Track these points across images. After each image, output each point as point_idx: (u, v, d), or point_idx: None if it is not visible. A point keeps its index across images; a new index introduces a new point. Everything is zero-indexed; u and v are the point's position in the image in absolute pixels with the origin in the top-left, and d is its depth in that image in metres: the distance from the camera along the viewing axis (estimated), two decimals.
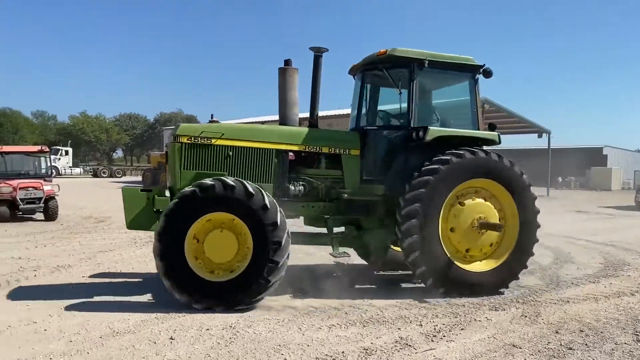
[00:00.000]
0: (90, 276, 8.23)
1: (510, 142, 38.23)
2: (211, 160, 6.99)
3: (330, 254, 7.51)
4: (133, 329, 5.56)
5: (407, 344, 5.27)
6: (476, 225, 7.17)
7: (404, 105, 7.46)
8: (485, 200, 7.35)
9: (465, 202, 7.25)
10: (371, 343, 5.28)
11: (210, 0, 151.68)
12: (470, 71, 7.68)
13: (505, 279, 7.38)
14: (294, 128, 7.59)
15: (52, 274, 8.32)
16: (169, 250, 6.06)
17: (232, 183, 6.22)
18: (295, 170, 7.49)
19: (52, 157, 28.68)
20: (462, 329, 5.79)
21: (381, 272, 8.74)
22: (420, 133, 7.15)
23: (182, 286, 6.10)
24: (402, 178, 7.08)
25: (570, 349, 5.23)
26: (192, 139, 6.95)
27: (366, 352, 5.04)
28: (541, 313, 6.45)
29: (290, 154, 7.40)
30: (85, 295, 6.85)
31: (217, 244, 6.27)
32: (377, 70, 7.70)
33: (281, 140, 7.28)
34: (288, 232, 6.38)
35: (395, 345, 5.23)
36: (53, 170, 21.06)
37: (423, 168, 6.96)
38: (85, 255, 9.94)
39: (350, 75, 8.47)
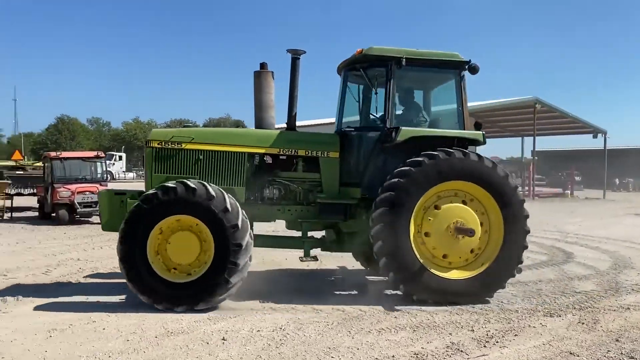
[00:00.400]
0: None
1: (564, 143, 37.04)
2: (182, 164, 7.09)
3: (299, 257, 7.42)
4: (186, 329, 5.69)
5: (458, 350, 5.18)
6: (452, 230, 6.77)
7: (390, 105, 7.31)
8: (465, 203, 6.93)
9: (441, 205, 6.87)
10: (422, 348, 5.22)
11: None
12: (455, 68, 7.35)
13: (489, 288, 6.93)
14: (267, 131, 7.54)
15: (109, 275, 8.63)
16: (131, 252, 6.19)
17: (194, 185, 6.29)
18: (271, 174, 7.46)
19: (107, 162, 29.75)
20: (515, 335, 5.64)
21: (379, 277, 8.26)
22: (393, 134, 6.96)
23: (144, 287, 6.22)
24: (379, 181, 6.89)
25: (632, 358, 5.01)
26: (163, 143, 7.11)
27: (417, 356, 4.99)
28: (600, 320, 6.21)
29: (268, 157, 7.41)
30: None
31: (180, 245, 6.35)
32: (356, 71, 7.53)
33: (253, 143, 7.27)
34: (250, 234, 6.44)
35: (446, 351, 5.15)
36: (108, 175, 21.85)
37: (395, 170, 6.76)
38: None
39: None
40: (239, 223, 6.26)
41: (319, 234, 7.94)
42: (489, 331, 5.74)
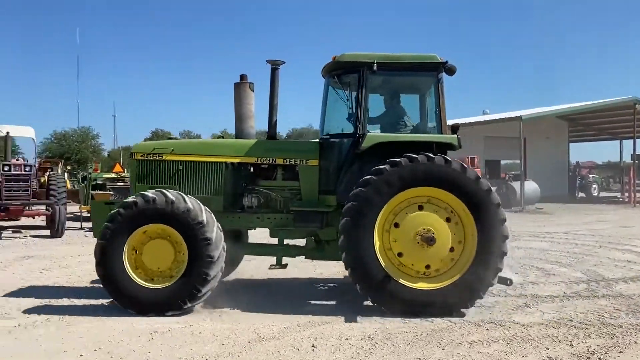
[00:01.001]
0: (234, 283, 8.75)
1: None
2: (163, 175, 7.41)
3: (269, 266, 7.48)
4: (277, 335, 5.84)
5: None
6: (418, 238, 6.48)
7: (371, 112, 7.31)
8: (436, 211, 6.58)
9: (408, 213, 6.59)
10: None
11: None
12: (432, 70, 7.10)
13: (464, 298, 6.49)
14: (245, 141, 7.63)
15: None
16: (109, 258, 6.45)
17: (172, 197, 6.50)
18: (250, 182, 7.57)
19: None
20: (620, 352, 5.29)
21: None
22: (360, 140, 6.85)
23: (119, 292, 6.49)
24: (351, 188, 6.64)
25: None
26: (145, 155, 7.46)
27: None
28: None
29: (246, 166, 7.54)
30: (235, 302, 7.19)
31: (155, 253, 6.57)
32: (332, 78, 7.45)
33: (231, 153, 7.41)
34: (223, 247, 6.61)
35: None
36: None
37: (360, 179, 6.56)
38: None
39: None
40: (212, 237, 6.45)
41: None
42: (590, 347, 5.42)
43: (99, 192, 18.59)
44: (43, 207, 16.24)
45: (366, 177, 6.51)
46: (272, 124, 7.69)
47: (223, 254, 6.64)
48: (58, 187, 16.03)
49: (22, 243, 14.06)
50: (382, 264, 6.50)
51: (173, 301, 6.46)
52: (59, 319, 6.51)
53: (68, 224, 16.37)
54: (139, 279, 6.56)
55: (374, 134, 7.05)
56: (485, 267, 6.45)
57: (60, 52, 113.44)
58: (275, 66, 7.54)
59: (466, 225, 6.58)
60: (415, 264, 6.59)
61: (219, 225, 6.71)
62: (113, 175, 21.54)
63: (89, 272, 9.06)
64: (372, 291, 6.52)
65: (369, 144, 6.80)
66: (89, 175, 20.24)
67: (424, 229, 6.48)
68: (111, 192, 18.32)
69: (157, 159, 7.47)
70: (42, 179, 17.29)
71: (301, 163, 7.34)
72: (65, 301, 7.44)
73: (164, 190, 6.66)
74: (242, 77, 7.86)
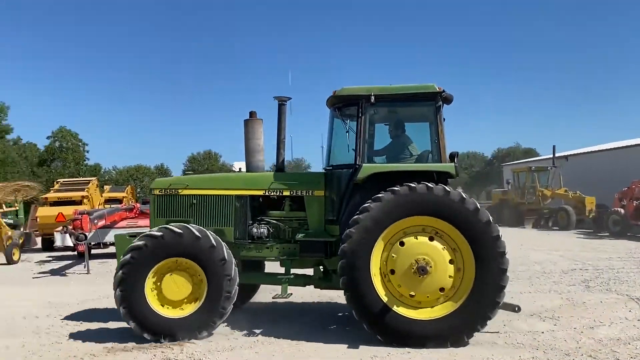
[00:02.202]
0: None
1: None
2: (179, 209, 7.76)
3: (273, 297, 7.52)
4: None
5: None
6: (414, 268, 6.40)
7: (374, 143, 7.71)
8: (432, 239, 6.54)
9: (405, 242, 6.56)
10: None
11: None
12: (430, 99, 7.15)
13: (460, 331, 6.33)
14: (254, 174, 8.02)
15: None
16: (129, 294, 6.61)
17: (181, 229, 6.75)
18: (261, 213, 7.79)
19: None
20: None
21: None
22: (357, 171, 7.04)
23: (144, 327, 6.61)
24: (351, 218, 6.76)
25: None
26: (163, 190, 7.86)
27: None
28: None
29: (255, 198, 7.76)
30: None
31: (173, 286, 6.74)
32: (334, 110, 7.61)
33: (240, 186, 7.74)
34: (235, 263, 6.84)
35: None
36: None
37: (351, 218, 6.68)
38: None
39: None
40: (232, 274, 6.73)
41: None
42: None
43: None
44: None
45: (365, 205, 6.52)
46: (279, 158, 7.96)
47: (237, 272, 6.87)
48: None
49: None
50: (379, 293, 6.45)
51: (193, 327, 6.66)
52: None
53: None
54: (161, 311, 6.73)
55: (369, 164, 7.09)
56: (483, 299, 6.30)
57: None
58: (282, 102, 7.82)
59: (464, 256, 6.44)
60: (412, 293, 6.48)
61: (226, 246, 6.93)
62: None
63: None
64: (368, 319, 6.46)
65: (364, 175, 6.89)
66: None
67: (420, 259, 6.40)
68: None
69: (173, 193, 7.82)
70: None
71: (307, 194, 7.51)
72: None
73: (172, 226, 6.85)
74: (252, 114, 8.12)
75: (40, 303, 9.52)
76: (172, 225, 6.87)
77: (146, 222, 17.53)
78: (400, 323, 6.37)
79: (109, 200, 25.30)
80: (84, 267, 14.60)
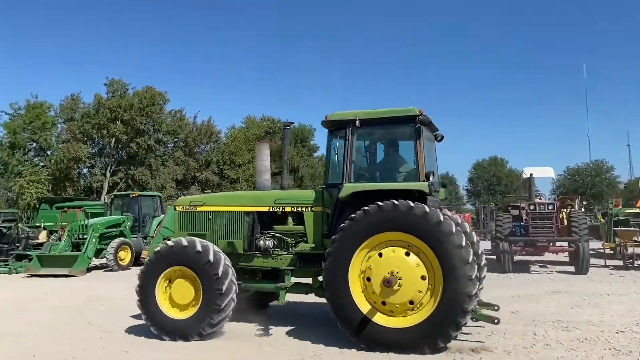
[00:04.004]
0: None
1: None
2: (197, 223, 8.75)
3: (270, 303, 8.87)
4: None
5: None
6: (381, 280, 6.85)
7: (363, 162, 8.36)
8: (408, 254, 6.89)
9: (383, 253, 7.01)
10: None
11: None
12: (409, 122, 7.56)
13: (432, 339, 6.63)
14: (261, 192, 8.92)
15: None
16: (145, 298, 7.77)
17: (186, 242, 7.76)
18: (266, 227, 8.48)
19: None
20: None
21: None
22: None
23: (157, 325, 7.72)
24: None
25: None
26: (184, 207, 8.99)
27: None
28: None
29: (261, 214, 8.48)
30: None
31: (180, 290, 7.73)
32: (329, 133, 8.20)
33: (249, 203, 8.60)
34: (232, 280, 7.63)
35: None
36: None
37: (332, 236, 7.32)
38: None
39: None
40: (219, 272, 7.49)
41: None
42: None
43: (622, 228, 18.27)
44: (565, 244, 16.66)
45: (344, 223, 7.16)
46: (283, 177, 9.11)
47: (232, 286, 7.62)
48: (579, 224, 16.16)
49: (549, 278, 14.85)
50: (358, 304, 6.99)
51: (194, 328, 7.52)
52: None
53: (592, 260, 16.84)
54: (170, 313, 7.75)
55: (350, 184, 7.60)
56: (451, 308, 6.58)
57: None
58: (285, 127, 9.18)
59: (433, 267, 6.78)
60: (388, 303, 6.90)
61: (229, 263, 7.78)
62: (637, 211, 20.86)
63: (622, 314, 9.29)
64: (349, 328, 7.01)
65: (345, 194, 7.53)
66: (610, 211, 20.23)
67: (393, 272, 6.81)
68: (637, 229, 17.68)
69: (193, 210, 8.89)
70: (561, 216, 17.58)
71: (306, 210, 8.22)
72: None
73: (183, 238, 7.96)
74: (260, 139, 9.45)
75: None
76: (183, 238, 7.88)
77: None
78: (379, 332, 6.83)
79: None
80: None
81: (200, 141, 48.75)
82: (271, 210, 8.44)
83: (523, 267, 17.11)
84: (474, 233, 8.33)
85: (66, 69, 79.67)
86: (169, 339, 7.57)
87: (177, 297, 7.74)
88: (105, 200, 31.00)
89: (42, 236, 21.88)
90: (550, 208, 16.38)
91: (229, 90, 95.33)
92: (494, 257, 17.34)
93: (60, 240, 19.17)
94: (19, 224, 22.80)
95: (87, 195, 42.72)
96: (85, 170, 45.85)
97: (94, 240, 18.08)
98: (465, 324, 6.76)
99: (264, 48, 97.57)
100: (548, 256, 18.95)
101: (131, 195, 23.29)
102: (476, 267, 6.68)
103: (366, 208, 7.00)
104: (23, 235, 21.71)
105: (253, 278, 8.62)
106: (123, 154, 45.73)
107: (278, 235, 8.35)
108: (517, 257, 17.73)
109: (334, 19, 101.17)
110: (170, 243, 7.93)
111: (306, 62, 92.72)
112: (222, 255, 7.76)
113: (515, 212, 17.52)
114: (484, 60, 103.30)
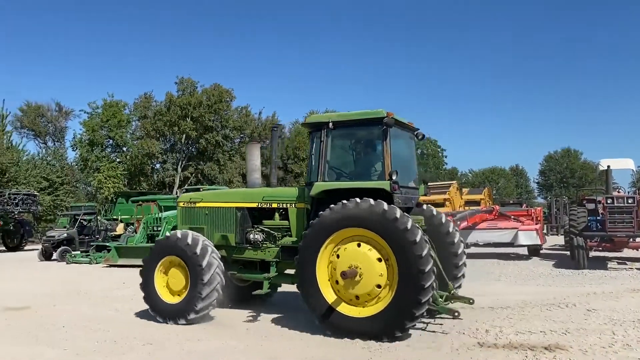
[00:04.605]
0: None
1: None
2: (196, 218, 9.54)
3: (253, 292, 9.11)
4: None
5: None
6: (340, 273, 7.30)
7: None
8: (359, 245, 7.35)
9: (340, 250, 7.45)
10: None
11: None
12: (376, 124, 7.90)
13: (390, 328, 7.01)
14: (251, 189, 9.61)
15: None
16: (145, 284, 8.67)
17: (180, 235, 8.59)
18: (256, 222, 9.14)
19: None
20: None
21: None
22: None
23: (154, 308, 8.60)
24: None
25: None
26: (186, 203, 9.79)
27: None
28: None
29: (251, 210, 9.14)
30: None
31: (175, 278, 8.52)
32: (309, 134, 8.61)
33: (240, 200, 9.26)
34: (217, 271, 8.26)
35: None
36: None
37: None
38: None
39: None
40: (203, 264, 8.15)
41: None
42: None
43: None
44: None
45: (314, 220, 7.70)
46: (271, 175, 9.51)
47: (216, 277, 8.25)
48: None
49: (628, 275, 14.24)
50: (324, 294, 7.48)
51: (181, 313, 8.28)
52: None
53: None
54: (166, 298, 8.58)
55: (320, 183, 8.07)
56: (406, 300, 6.93)
57: None
58: (274, 128, 9.65)
59: (391, 261, 7.13)
60: (356, 294, 7.31)
61: (216, 255, 8.45)
62: None
63: None
64: (320, 317, 7.49)
65: (315, 192, 8.07)
66: None
67: (353, 265, 7.23)
68: None
69: (192, 206, 9.69)
70: None
71: (290, 206, 8.75)
72: None
73: (180, 231, 8.89)
74: (252, 139, 9.89)
75: None
76: (179, 231, 8.79)
77: (506, 224, 17.74)
78: (342, 320, 7.30)
79: (468, 203, 26.36)
80: None
81: (265, 136, 49.66)
82: (260, 206, 9.09)
83: (599, 264, 16.31)
84: (457, 233, 8.80)
85: (140, 69, 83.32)
86: (162, 321, 8.41)
87: (172, 283, 8.54)
88: (177, 194, 32.19)
89: (119, 228, 23.07)
90: (630, 202, 15.36)
91: (293, 86, 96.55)
92: (568, 252, 16.65)
93: (136, 232, 20.15)
94: (98, 217, 24.14)
95: (160, 189, 44.56)
96: (158, 166, 47.79)
97: (167, 232, 18.82)
98: (422, 314, 7.10)
99: (326, 42, 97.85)
100: (627, 252, 18.09)
101: (201, 189, 24.06)
102: (431, 261, 6.96)
103: (332, 206, 7.45)
104: (102, 228, 23.01)
105: (247, 268, 9.22)
106: (193, 150, 47.26)
107: (266, 229, 8.99)
108: (592, 253, 16.91)
109: (400, 10, 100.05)
110: (167, 235, 8.88)
111: (365, 55, 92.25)
112: (210, 249, 8.45)
113: (591, 206, 16.79)
114: (558, 48, 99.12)
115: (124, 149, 46.54)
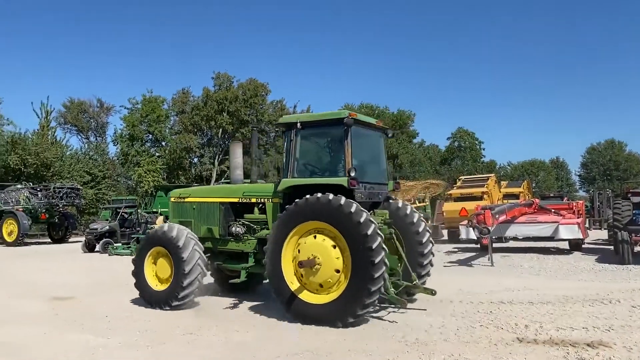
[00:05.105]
0: None
1: None
2: (185, 212, 10.19)
3: (230, 281, 9.68)
4: None
5: None
6: (298, 262, 7.85)
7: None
8: (315, 237, 7.87)
9: (300, 242, 7.98)
10: None
11: None
12: (337, 124, 8.39)
13: (342, 315, 7.49)
14: (233, 185, 10.27)
15: None
16: (137, 271, 9.34)
17: (167, 228, 9.22)
18: (238, 215, 9.66)
19: None
20: None
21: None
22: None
23: (143, 294, 9.36)
24: None
25: None
26: (176, 198, 10.48)
27: None
28: None
29: (233, 204, 9.72)
30: None
31: (162, 266, 9.14)
32: (282, 134, 9.16)
33: (223, 195, 9.90)
34: (199, 264, 8.90)
35: None
36: None
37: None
38: None
39: None
40: (185, 255, 8.75)
41: None
42: None
43: None
44: None
45: (281, 213, 8.34)
46: (252, 172, 10.46)
47: (197, 268, 8.84)
48: None
49: None
50: (288, 281, 7.97)
51: (165, 300, 8.95)
52: None
53: None
54: (154, 285, 9.26)
55: (287, 179, 8.65)
56: (358, 289, 7.44)
57: None
58: (253, 128, 10.90)
59: (346, 252, 7.64)
60: (311, 283, 7.85)
61: (198, 247, 9.02)
62: None
63: None
64: (281, 301, 8.05)
65: (282, 187, 8.70)
66: None
67: (313, 255, 7.75)
68: None
69: (182, 201, 10.38)
70: None
71: (268, 201, 9.28)
72: None
73: (166, 224, 9.57)
74: (234, 138, 10.56)
75: (452, 289, 10.56)
76: (167, 224, 9.45)
77: (546, 217, 17.34)
78: (303, 306, 7.80)
79: (506, 196, 25.88)
80: (488, 260, 15.34)
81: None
82: (241, 201, 9.65)
83: None
84: (422, 223, 9.33)
85: (177, 65, 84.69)
86: (150, 306, 9.07)
87: (160, 272, 9.17)
88: None
89: (159, 221, 23.44)
90: None
91: (327, 79, 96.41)
92: (611, 247, 16.16)
93: None
94: (138, 210, 24.72)
95: (198, 183, 45.31)
96: (195, 160, 48.59)
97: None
98: (373, 303, 7.55)
99: (362, 35, 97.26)
100: None
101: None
102: (382, 252, 7.39)
103: (297, 200, 7.98)
104: (142, 220, 23.51)
105: (232, 259, 9.70)
106: (229, 144, 47.81)
107: (247, 222, 9.50)
108: (637, 248, 16.36)
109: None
110: (156, 227, 9.57)
111: (403, 47, 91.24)
112: (193, 241, 9.00)
113: (637, 199, 16.23)
114: (600, 35, 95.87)
115: (163, 143, 47.52)
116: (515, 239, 18.60)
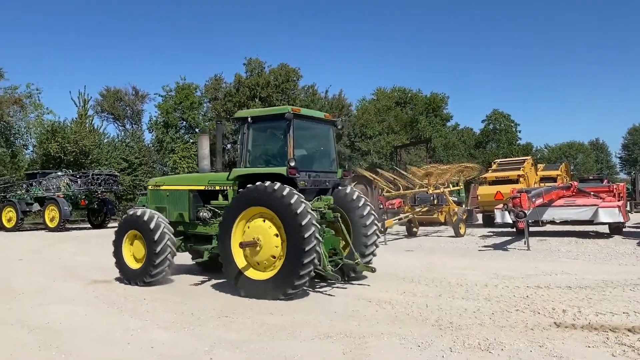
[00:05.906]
0: None
1: None
2: (160, 199, 11.25)
3: (195, 260, 11.62)
4: None
5: None
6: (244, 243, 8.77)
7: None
8: (264, 220, 8.74)
9: (249, 224, 8.90)
10: None
11: None
12: (281, 119, 9.19)
13: (281, 288, 8.36)
14: (200, 174, 11.25)
15: None
16: (116, 252, 10.46)
17: (140, 212, 10.18)
18: (205, 202, 10.58)
19: None
20: None
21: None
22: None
23: (122, 272, 10.45)
24: None
25: None
26: (153, 186, 11.62)
27: None
28: None
29: (200, 191, 10.71)
30: None
31: (137, 247, 10.18)
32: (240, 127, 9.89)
33: (190, 183, 10.94)
34: (168, 245, 9.86)
35: None
36: None
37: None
38: None
39: None
40: (156, 237, 9.72)
41: None
42: None
43: None
44: None
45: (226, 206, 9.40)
46: (217, 162, 11.73)
47: (167, 249, 9.78)
48: None
49: None
50: (236, 260, 8.93)
51: (140, 277, 9.96)
52: None
53: None
54: (131, 264, 10.31)
55: (237, 169, 9.70)
56: (293, 264, 8.29)
57: None
58: (218, 122, 12.27)
59: (282, 232, 8.55)
60: (257, 260, 8.80)
61: (168, 230, 9.93)
62: None
63: None
64: (232, 278, 8.99)
65: (232, 176, 9.71)
66: None
67: (257, 237, 8.71)
68: None
69: (157, 188, 11.43)
70: None
71: (229, 188, 10.02)
72: None
73: (142, 209, 10.45)
74: (202, 130, 10.94)
75: (487, 273, 10.43)
76: (140, 209, 10.37)
77: (585, 200, 16.91)
78: (249, 283, 8.73)
79: (543, 179, 25.32)
80: (524, 244, 15.10)
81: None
82: (206, 188, 10.55)
83: None
84: (367, 206, 9.88)
85: (210, 52, 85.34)
86: (129, 283, 10.11)
87: (135, 252, 10.20)
88: None
89: None
90: None
91: (359, 62, 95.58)
92: None
93: None
94: None
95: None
96: (229, 146, 49.02)
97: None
98: (309, 274, 8.27)
99: (392, 19, 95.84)
100: None
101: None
102: (313, 228, 8.16)
103: (240, 190, 9.04)
104: None
105: (201, 242, 10.55)
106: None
107: (212, 208, 10.29)
108: None
109: None
110: (130, 212, 10.47)
111: (436, 30, 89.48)
112: (163, 224, 9.91)
113: None
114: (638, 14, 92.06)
115: (197, 130, 48.05)
116: (552, 222, 18.21)
